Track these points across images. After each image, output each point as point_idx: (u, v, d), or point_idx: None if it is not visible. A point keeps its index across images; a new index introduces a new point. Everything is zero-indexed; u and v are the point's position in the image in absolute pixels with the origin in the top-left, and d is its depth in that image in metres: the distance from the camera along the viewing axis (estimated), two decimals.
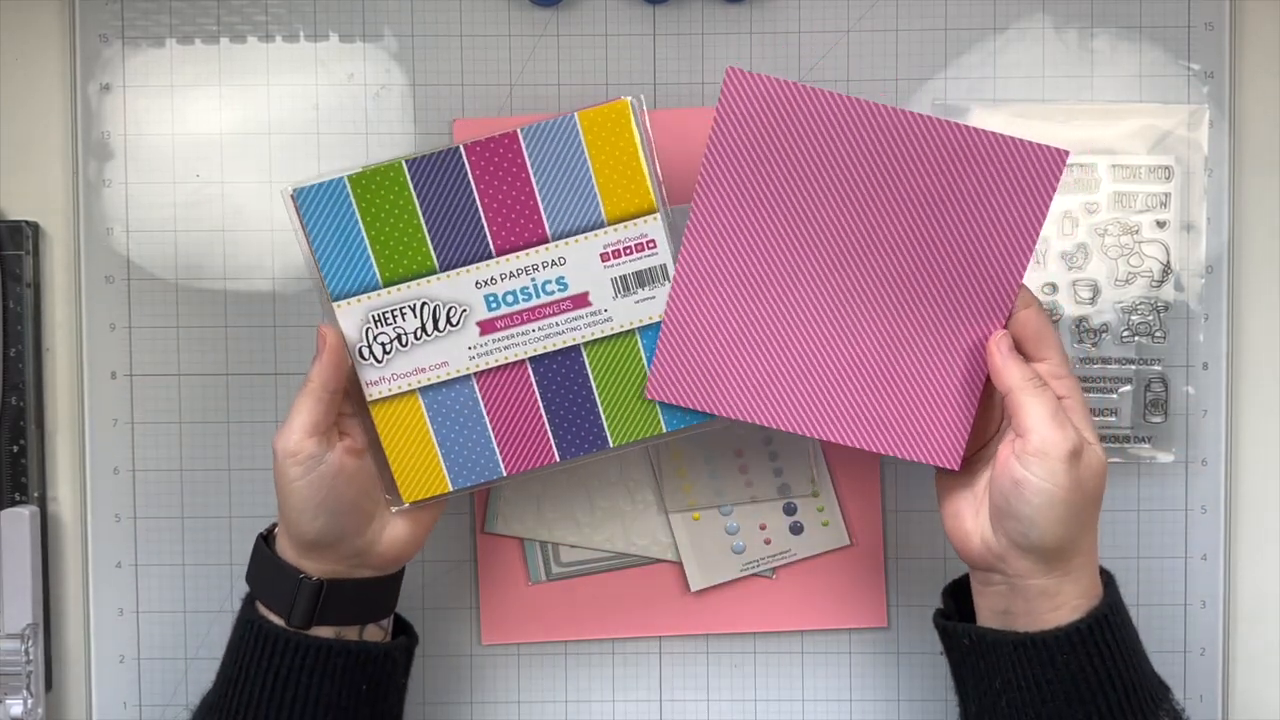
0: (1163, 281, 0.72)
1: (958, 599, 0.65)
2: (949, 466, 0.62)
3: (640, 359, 0.63)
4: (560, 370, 0.63)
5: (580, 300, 0.63)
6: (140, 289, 0.73)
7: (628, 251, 0.62)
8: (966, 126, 0.59)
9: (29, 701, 0.71)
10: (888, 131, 0.60)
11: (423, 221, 0.62)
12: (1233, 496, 0.74)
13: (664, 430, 0.64)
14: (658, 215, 0.62)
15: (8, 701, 0.70)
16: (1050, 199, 0.60)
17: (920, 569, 0.74)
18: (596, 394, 0.64)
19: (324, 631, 0.61)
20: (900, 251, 0.61)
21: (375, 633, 0.64)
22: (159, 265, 0.73)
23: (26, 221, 0.72)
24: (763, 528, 0.73)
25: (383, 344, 0.63)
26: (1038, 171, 0.60)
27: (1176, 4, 0.72)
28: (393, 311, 0.62)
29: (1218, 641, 0.74)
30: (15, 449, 0.72)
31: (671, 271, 0.62)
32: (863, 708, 0.74)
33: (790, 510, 0.73)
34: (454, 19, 0.72)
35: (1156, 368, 0.73)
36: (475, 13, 0.72)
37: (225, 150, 0.73)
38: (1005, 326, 0.61)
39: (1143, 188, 0.72)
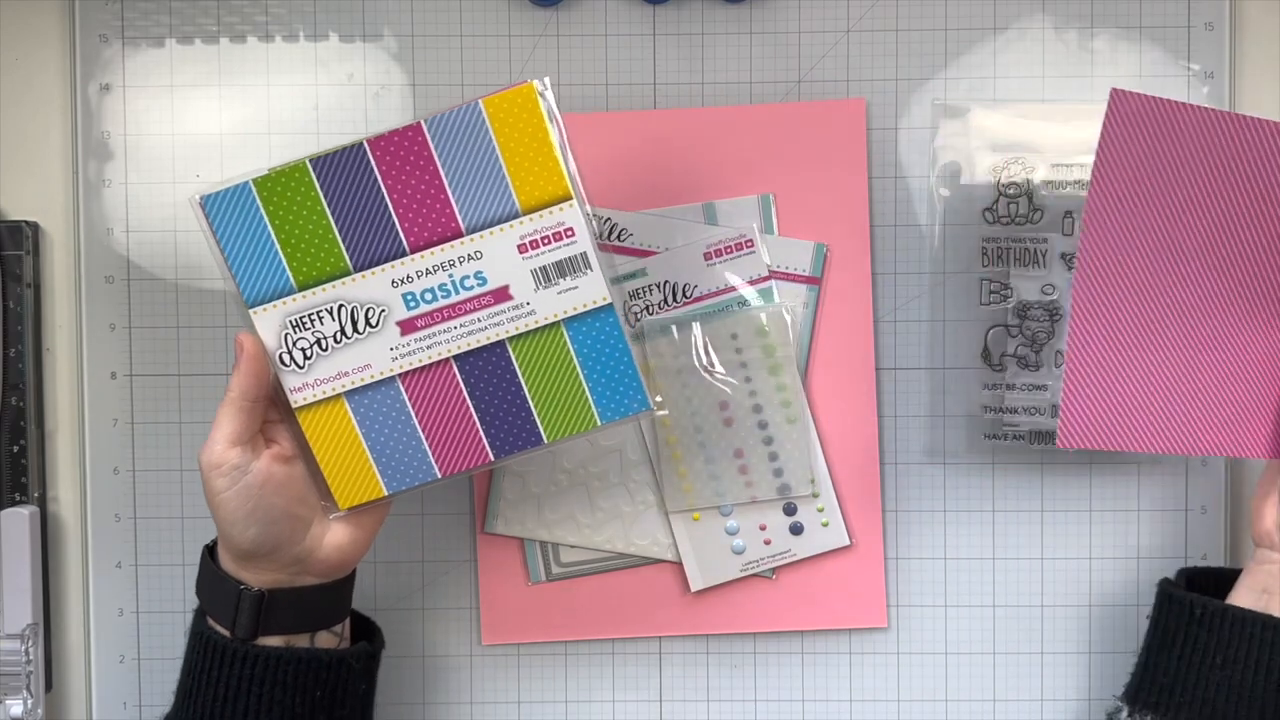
0: None
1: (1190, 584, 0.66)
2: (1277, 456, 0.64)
3: (568, 349, 0.62)
4: (486, 367, 0.62)
5: (501, 294, 0.61)
6: (140, 289, 0.73)
7: (545, 241, 0.60)
8: None
9: (29, 701, 0.71)
10: (1259, 142, 0.59)
11: (332, 222, 0.60)
12: (1233, 496, 0.74)
13: (599, 424, 0.62)
14: (573, 202, 0.60)
15: (8, 701, 0.70)
16: None
17: (920, 569, 0.74)
18: (526, 390, 0.62)
19: (273, 641, 0.61)
20: (1256, 260, 0.61)
21: (328, 639, 0.63)
22: (159, 265, 0.73)
23: (26, 221, 0.72)
24: (763, 528, 0.73)
25: (303, 349, 0.61)
26: None
27: (1176, 4, 0.72)
28: (310, 316, 0.61)
29: None
30: (15, 449, 0.72)
31: (594, 260, 0.60)
32: (863, 708, 0.74)
33: (790, 510, 0.73)
34: (454, 19, 0.72)
35: None
36: (475, 13, 0.72)
37: (225, 150, 0.73)
38: None
39: None
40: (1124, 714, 0.64)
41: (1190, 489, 0.74)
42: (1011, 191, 0.72)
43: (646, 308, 0.72)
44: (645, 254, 0.72)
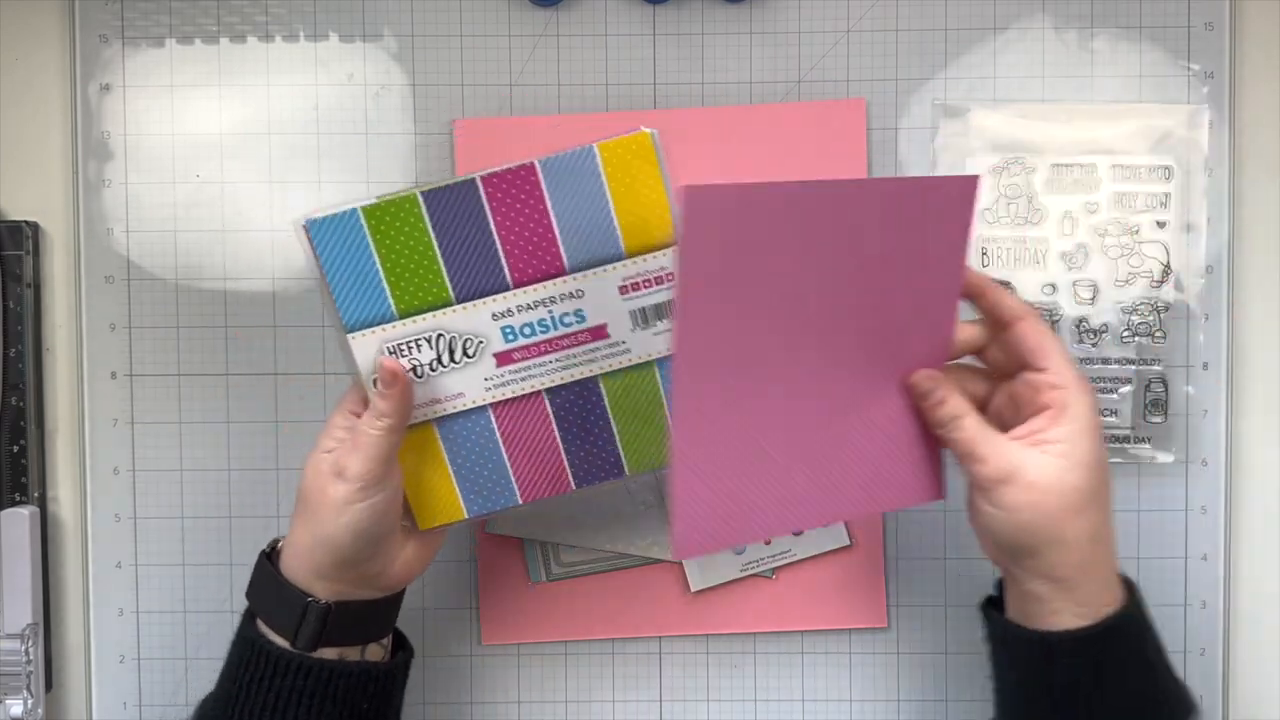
0: (1163, 282, 0.72)
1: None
2: (938, 499, 0.63)
3: (658, 388, 0.63)
4: (577, 400, 0.63)
5: (598, 332, 0.62)
6: (140, 289, 0.73)
7: (647, 284, 0.62)
8: (893, 179, 0.59)
9: (29, 701, 0.71)
10: (843, 203, 0.56)
11: (438, 253, 0.61)
12: (1233, 496, 0.74)
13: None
14: (677, 248, 0.59)
15: (8, 701, 0.70)
16: (969, 225, 0.58)
17: (920, 569, 0.74)
18: (614, 424, 0.63)
19: (327, 652, 0.61)
20: (860, 314, 0.58)
21: (376, 651, 0.64)
22: (159, 265, 0.73)
23: (26, 221, 0.72)
24: None
25: None
26: (956, 201, 0.58)
27: (1176, 4, 0.72)
28: (408, 343, 0.62)
29: (1218, 641, 0.74)
30: (15, 449, 0.72)
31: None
32: (863, 708, 0.74)
33: None
34: (454, 19, 0.72)
35: (1157, 368, 0.73)
36: (475, 13, 0.72)
37: (225, 150, 0.73)
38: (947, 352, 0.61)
39: (1143, 188, 0.72)
40: None
41: (1190, 489, 0.74)
42: (1011, 192, 0.72)
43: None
44: None
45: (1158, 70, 0.73)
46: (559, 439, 0.63)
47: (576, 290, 0.61)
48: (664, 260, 0.61)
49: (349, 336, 0.61)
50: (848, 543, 0.73)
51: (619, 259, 0.61)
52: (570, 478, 0.64)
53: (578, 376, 0.62)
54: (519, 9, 0.72)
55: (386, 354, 0.61)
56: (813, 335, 0.58)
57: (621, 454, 0.64)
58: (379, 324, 0.61)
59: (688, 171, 0.72)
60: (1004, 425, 0.60)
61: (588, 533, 0.73)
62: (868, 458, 0.61)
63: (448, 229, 0.61)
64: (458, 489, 0.64)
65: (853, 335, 0.59)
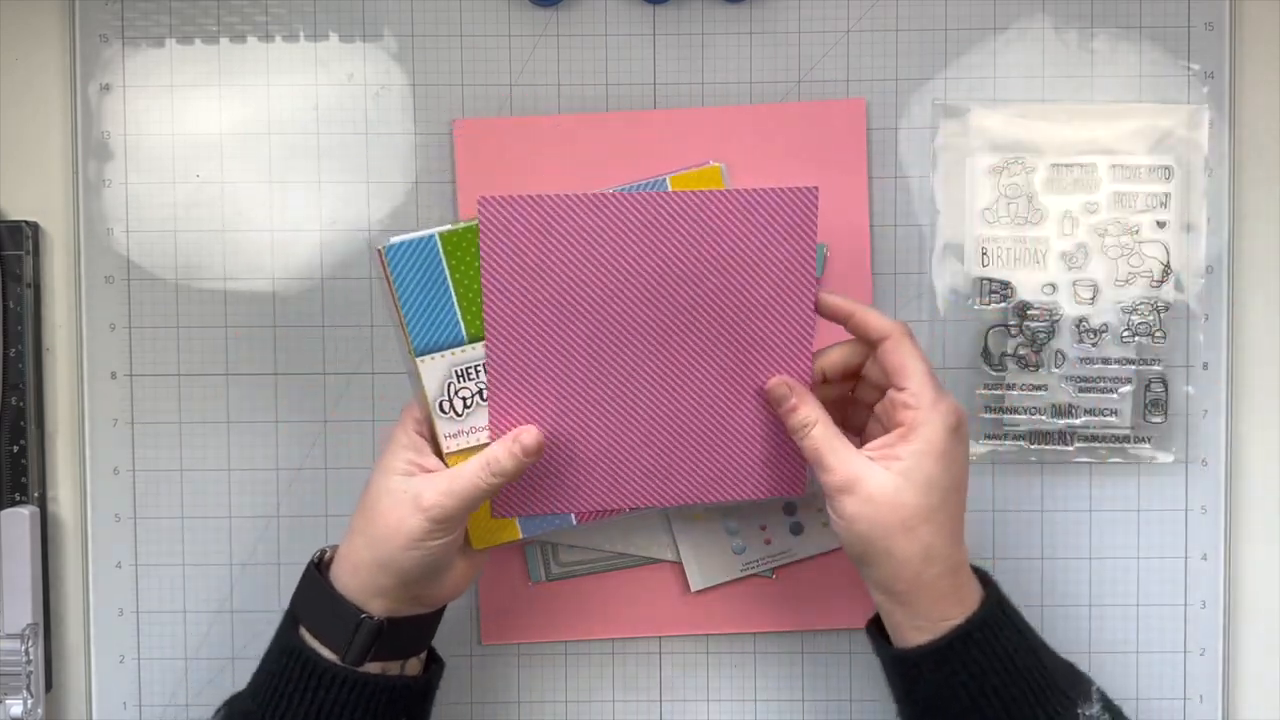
0: (1163, 282, 0.72)
1: None
2: (797, 494, 0.66)
3: None
4: None
5: None
6: (140, 289, 0.73)
7: None
8: (719, 191, 0.61)
9: (29, 701, 0.71)
10: (651, 213, 0.61)
11: None
12: (1233, 496, 0.74)
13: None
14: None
15: (8, 701, 0.70)
16: (813, 233, 0.62)
17: None
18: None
19: (370, 665, 0.61)
20: (703, 316, 0.63)
21: (414, 664, 0.64)
22: (159, 265, 0.73)
23: (26, 221, 0.72)
24: (763, 528, 0.73)
25: (464, 399, 0.63)
26: (796, 211, 0.62)
27: (1176, 4, 0.72)
28: (476, 367, 0.62)
29: (1218, 641, 0.74)
30: (15, 449, 0.72)
31: None
32: (863, 708, 0.74)
33: (790, 510, 0.73)
34: (454, 19, 0.72)
35: (1157, 368, 0.73)
36: (475, 13, 0.72)
37: (225, 150, 0.73)
38: (811, 359, 0.64)
39: (1143, 188, 0.72)
40: None
41: (1190, 489, 0.74)
42: (1011, 191, 0.72)
43: None
44: None
45: (1158, 70, 0.73)
46: None
47: None
48: None
49: (417, 360, 0.62)
50: None
51: None
52: (622, 498, 0.66)
53: None
54: (519, 9, 0.72)
55: (455, 377, 0.62)
56: (651, 330, 0.62)
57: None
58: (449, 348, 0.62)
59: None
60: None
61: (588, 533, 0.73)
62: (728, 449, 0.65)
63: None
64: None
65: (714, 337, 0.63)
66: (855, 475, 0.59)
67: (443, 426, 0.63)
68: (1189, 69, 0.73)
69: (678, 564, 0.73)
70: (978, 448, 0.73)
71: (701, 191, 0.61)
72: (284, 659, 0.61)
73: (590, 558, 0.73)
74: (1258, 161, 0.73)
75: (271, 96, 0.73)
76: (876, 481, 0.59)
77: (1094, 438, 0.73)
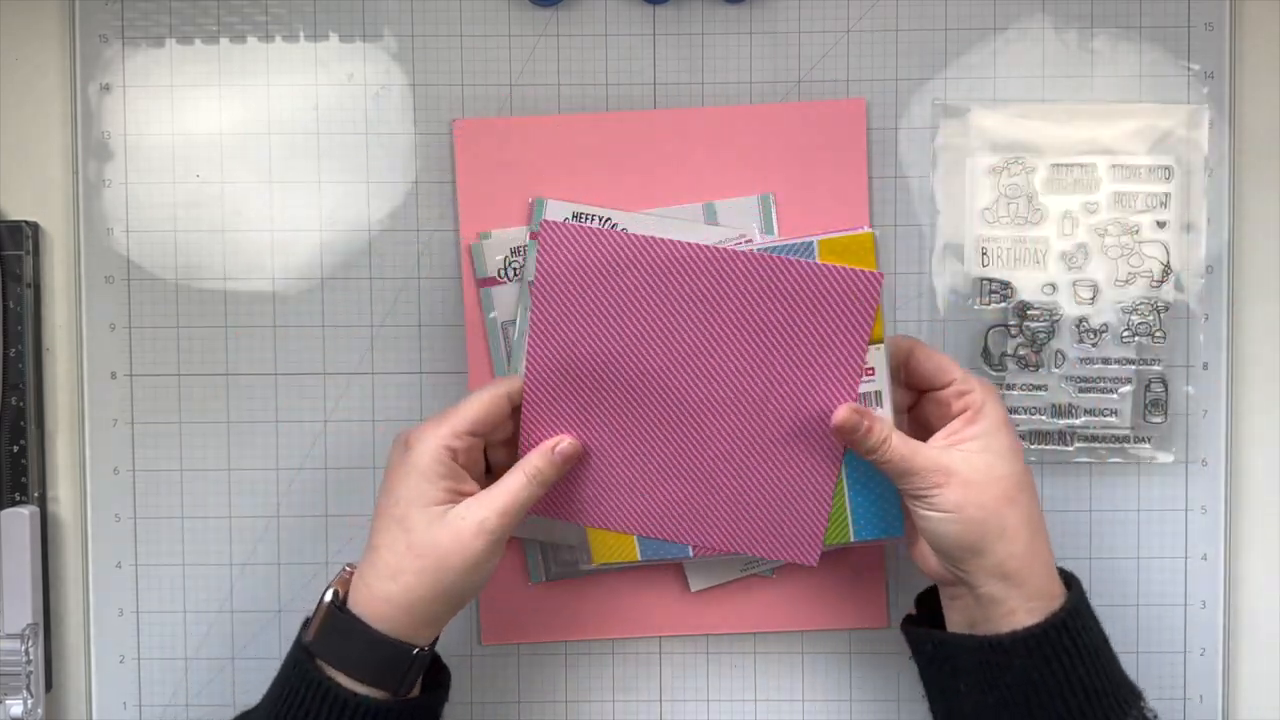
0: (1163, 282, 0.72)
1: (931, 604, 0.66)
2: (808, 563, 0.66)
3: (841, 471, 0.65)
4: None
5: None
6: (140, 289, 0.73)
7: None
8: (783, 259, 0.61)
9: (29, 701, 0.71)
10: (704, 266, 0.62)
11: None
12: (1233, 496, 0.74)
13: (852, 539, 0.67)
14: (883, 346, 0.63)
15: (8, 701, 0.70)
16: (870, 320, 0.62)
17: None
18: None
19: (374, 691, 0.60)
20: (743, 376, 0.63)
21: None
22: (159, 265, 0.73)
23: (26, 221, 0.72)
24: None
25: None
26: (856, 294, 0.62)
27: (1176, 4, 0.72)
28: None
29: (1218, 641, 0.74)
30: (15, 449, 0.72)
31: (886, 400, 0.64)
32: (863, 708, 0.74)
33: None
34: (454, 19, 0.72)
35: (1156, 368, 0.73)
36: (475, 13, 0.72)
37: (225, 150, 0.73)
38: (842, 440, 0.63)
39: (1143, 188, 0.72)
40: None
41: (1190, 489, 0.74)
42: (1011, 192, 0.72)
43: None
44: None
45: (1158, 70, 0.73)
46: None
47: None
48: (869, 357, 0.63)
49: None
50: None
51: None
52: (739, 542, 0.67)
53: None
54: (519, 9, 0.72)
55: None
56: (688, 381, 0.63)
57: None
58: None
59: (688, 171, 0.72)
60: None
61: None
62: (747, 506, 0.66)
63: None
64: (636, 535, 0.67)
65: (751, 397, 0.63)
66: (945, 465, 0.60)
67: None
68: (1189, 69, 0.73)
69: (678, 564, 0.73)
70: None
71: (765, 256, 0.61)
72: (310, 698, 0.59)
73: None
74: (1258, 161, 0.73)
75: (271, 96, 0.73)
76: (969, 464, 0.60)
77: (1094, 438, 0.73)
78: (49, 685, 0.73)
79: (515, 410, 0.64)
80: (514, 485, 0.61)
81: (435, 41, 0.72)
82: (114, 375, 0.73)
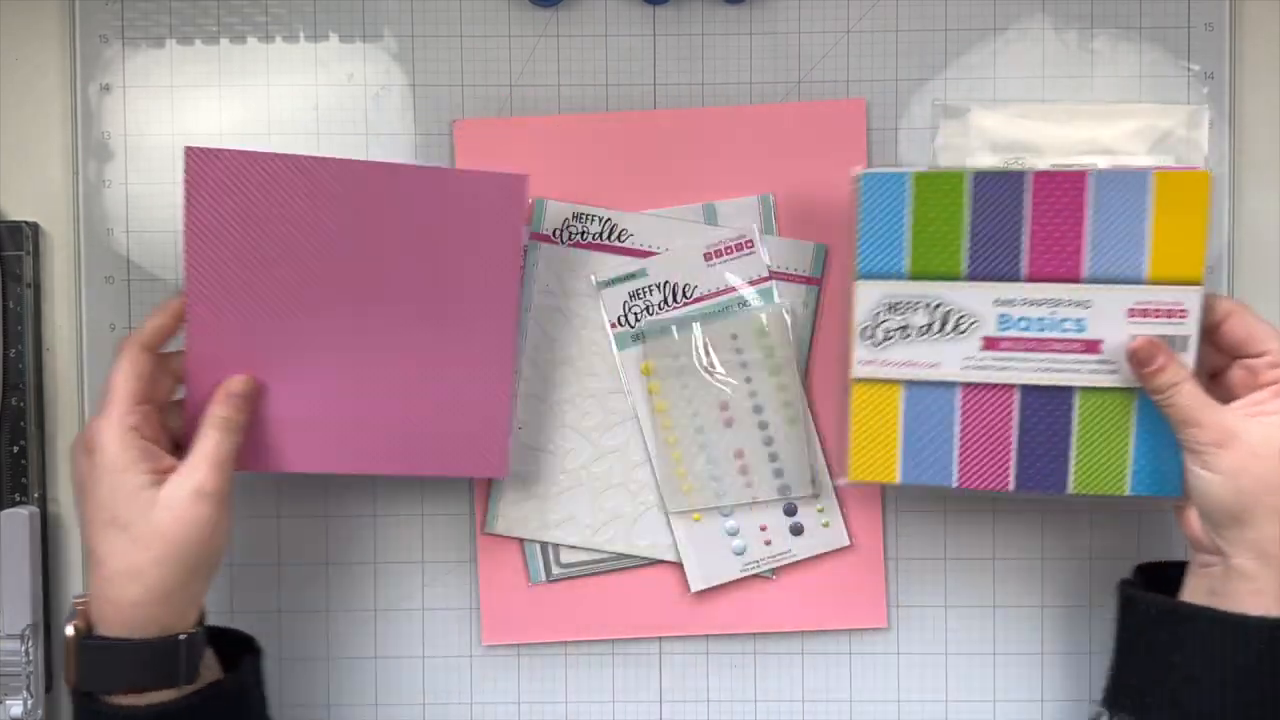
0: None
1: (1146, 577, 0.66)
2: (497, 475, 0.67)
3: (1130, 417, 0.63)
4: (1047, 405, 0.64)
5: (1093, 346, 0.63)
6: (140, 289, 0.73)
7: (1157, 314, 0.62)
8: (429, 168, 0.62)
9: (29, 701, 0.71)
10: (358, 181, 0.62)
11: (966, 231, 0.63)
12: None
13: (1127, 492, 0.64)
14: (1200, 289, 0.62)
15: (8, 702, 0.70)
16: (519, 220, 0.63)
17: (920, 569, 0.74)
18: (1075, 439, 0.64)
19: (167, 694, 0.59)
20: (409, 290, 0.64)
21: (212, 667, 0.62)
22: (159, 265, 0.73)
23: (26, 221, 0.72)
24: (763, 529, 0.73)
25: (886, 330, 0.65)
26: (503, 195, 0.63)
27: (1176, 4, 0.72)
28: (908, 303, 0.64)
29: None
30: (15, 449, 0.72)
31: (1192, 347, 0.62)
32: (863, 708, 0.74)
33: (790, 511, 0.73)
34: (454, 19, 0.72)
35: None
36: (475, 13, 0.72)
37: None
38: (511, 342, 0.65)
39: None
40: (1104, 719, 0.63)
41: None
42: None
43: (647, 308, 0.72)
44: (646, 254, 0.72)
45: (1158, 70, 0.73)
46: (1015, 437, 0.65)
47: (1086, 300, 0.63)
48: (1182, 296, 0.62)
49: (856, 283, 0.64)
50: (847, 543, 0.73)
51: (1139, 282, 0.63)
52: (1012, 477, 0.65)
53: (1057, 382, 0.64)
54: (519, 9, 0.72)
55: (884, 308, 0.64)
56: (353, 295, 0.63)
57: (1071, 470, 0.64)
58: (888, 278, 0.64)
59: (688, 171, 0.72)
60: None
61: (588, 533, 0.73)
62: (427, 424, 0.65)
63: (984, 211, 0.63)
64: (900, 453, 0.66)
65: (414, 311, 0.64)
66: (1232, 429, 0.59)
67: (859, 351, 0.65)
68: (1189, 69, 0.73)
69: (678, 564, 0.73)
70: None
71: (402, 165, 0.62)
72: None
73: (591, 558, 0.73)
74: (1258, 161, 0.73)
75: (271, 97, 0.73)
76: (1261, 435, 0.58)
77: None
78: (49, 685, 0.73)
79: (160, 359, 0.62)
80: (210, 441, 0.60)
81: (435, 42, 0.72)
82: None
